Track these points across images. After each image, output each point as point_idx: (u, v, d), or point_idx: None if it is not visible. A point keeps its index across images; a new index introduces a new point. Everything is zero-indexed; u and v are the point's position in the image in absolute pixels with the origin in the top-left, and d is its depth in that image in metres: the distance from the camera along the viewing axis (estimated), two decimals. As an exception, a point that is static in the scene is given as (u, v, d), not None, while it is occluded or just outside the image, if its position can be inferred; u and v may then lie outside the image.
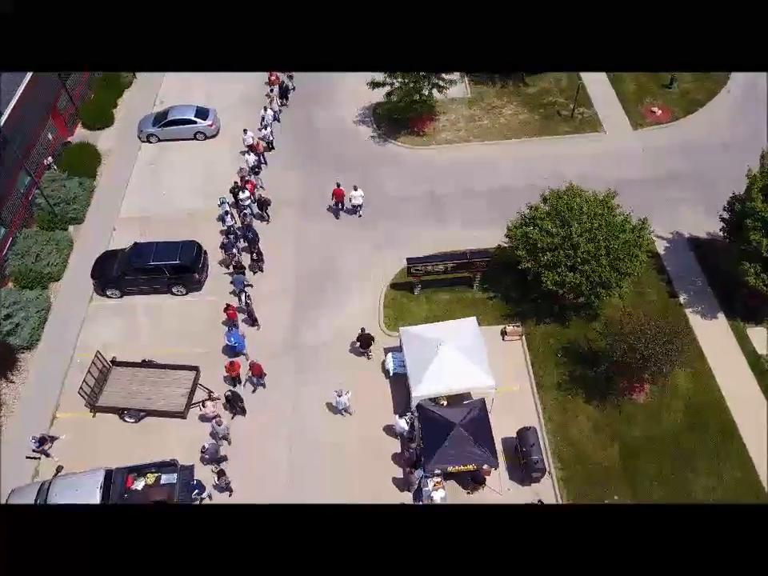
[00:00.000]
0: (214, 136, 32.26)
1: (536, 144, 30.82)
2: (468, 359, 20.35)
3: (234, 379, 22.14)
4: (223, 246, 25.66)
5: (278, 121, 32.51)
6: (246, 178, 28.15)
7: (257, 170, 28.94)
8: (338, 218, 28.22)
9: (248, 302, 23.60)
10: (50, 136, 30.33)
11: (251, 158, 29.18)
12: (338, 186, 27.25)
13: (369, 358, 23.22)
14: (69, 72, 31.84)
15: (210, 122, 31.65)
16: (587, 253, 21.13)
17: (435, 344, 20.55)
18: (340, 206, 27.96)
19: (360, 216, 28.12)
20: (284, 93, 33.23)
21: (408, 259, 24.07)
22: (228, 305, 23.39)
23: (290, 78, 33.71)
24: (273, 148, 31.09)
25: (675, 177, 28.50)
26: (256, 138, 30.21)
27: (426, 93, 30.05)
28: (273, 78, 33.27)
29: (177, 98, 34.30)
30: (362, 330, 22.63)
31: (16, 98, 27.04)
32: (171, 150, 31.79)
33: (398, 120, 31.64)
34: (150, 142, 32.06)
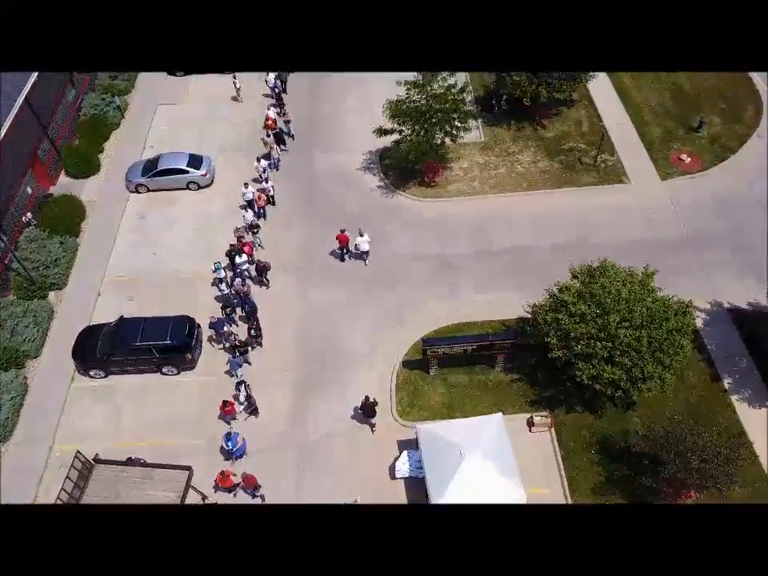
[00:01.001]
0: (208, 185, 29.84)
1: (557, 196, 28.52)
2: (496, 469, 18.04)
3: (227, 489, 19.78)
4: (213, 326, 23.22)
5: (276, 169, 30.11)
6: (244, 240, 25.75)
7: (255, 229, 26.50)
8: (342, 261, 26.29)
9: (248, 392, 21.21)
10: (29, 189, 27.87)
11: (249, 215, 26.79)
12: (342, 231, 25.47)
13: (373, 431, 21.22)
14: (50, 117, 29.43)
15: (203, 172, 29.25)
16: (628, 345, 18.84)
17: (458, 449, 18.26)
18: (345, 252, 25.99)
19: (366, 264, 26.10)
20: (282, 138, 30.83)
21: (424, 341, 21.78)
22: (225, 402, 20.99)
23: (288, 122, 31.29)
24: (274, 203, 28.69)
25: (709, 236, 26.23)
26: (257, 192, 27.80)
27: (438, 141, 27.70)
28: (269, 122, 30.86)
29: (168, 141, 31.94)
30: (366, 397, 20.62)
31: (-10, 153, 24.67)
32: (162, 202, 29.36)
33: (407, 168, 29.33)
34: (139, 192, 29.64)
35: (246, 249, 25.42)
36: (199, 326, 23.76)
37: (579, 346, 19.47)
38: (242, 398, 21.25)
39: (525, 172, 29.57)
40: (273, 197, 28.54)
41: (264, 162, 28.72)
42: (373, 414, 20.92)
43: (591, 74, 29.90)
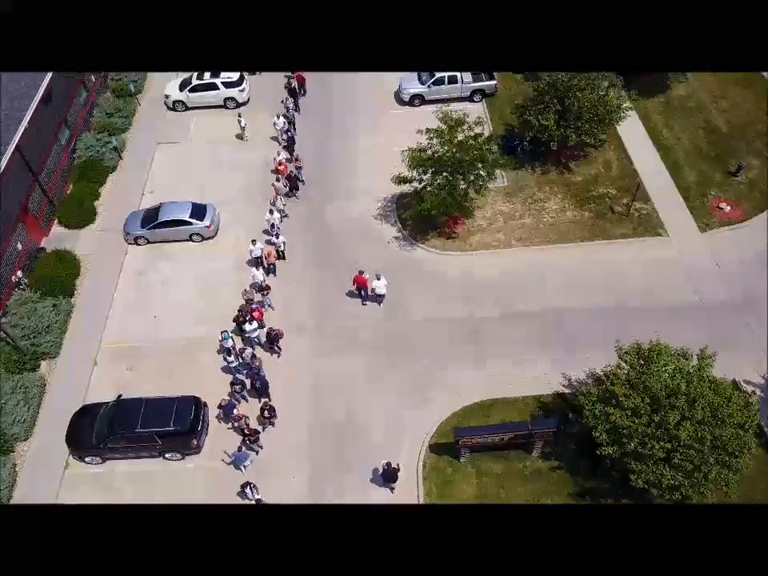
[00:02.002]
0: (212, 237, 27.73)
1: (589, 250, 26.48)
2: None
3: None
4: (222, 409, 21.13)
5: (287, 216, 28.04)
6: (253, 305, 23.66)
7: (265, 291, 24.38)
8: (364, 304, 24.95)
9: (255, 495, 19.03)
10: (19, 245, 25.73)
11: (259, 276, 24.70)
12: (361, 273, 24.06)
13: (392, 492, 19.79)
14: (42, 163, 27.32)
15: (207, 223, 27.14)
16: (689, 446, 16.80)
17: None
18: (363, 294, 24.72)
19: (381, 305, 24.73)
20: (293, 185, 28.75)
21: (456, 431, 19.75)
22: None
23: (299, 168, 29.21)
24: (284, 258, 26.61)
25: (758, 299, 24.17)
26: (266, 249, 25.71)
27: (461, 193, 25.64)
28: (281, 167, 28.76)
29: (168, 186, 29.88)
30: (388, 463, 19.09)
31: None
32: (163, 256, 27.25)
33: (426, 217, 27.25)
34: (138, 245, 27.53)
35: (256, 315, 23.34)
36: (205, 405, 21.67)
37: (632, 444, 17.42)
38: (249, 495, 19.09)
39: (553, 222, 27.53)
40: (284, 252, 26.44)
41: (276, 215, 26.61)
42: (394, 479, 19.45)
43: (622, 114, 27.89)
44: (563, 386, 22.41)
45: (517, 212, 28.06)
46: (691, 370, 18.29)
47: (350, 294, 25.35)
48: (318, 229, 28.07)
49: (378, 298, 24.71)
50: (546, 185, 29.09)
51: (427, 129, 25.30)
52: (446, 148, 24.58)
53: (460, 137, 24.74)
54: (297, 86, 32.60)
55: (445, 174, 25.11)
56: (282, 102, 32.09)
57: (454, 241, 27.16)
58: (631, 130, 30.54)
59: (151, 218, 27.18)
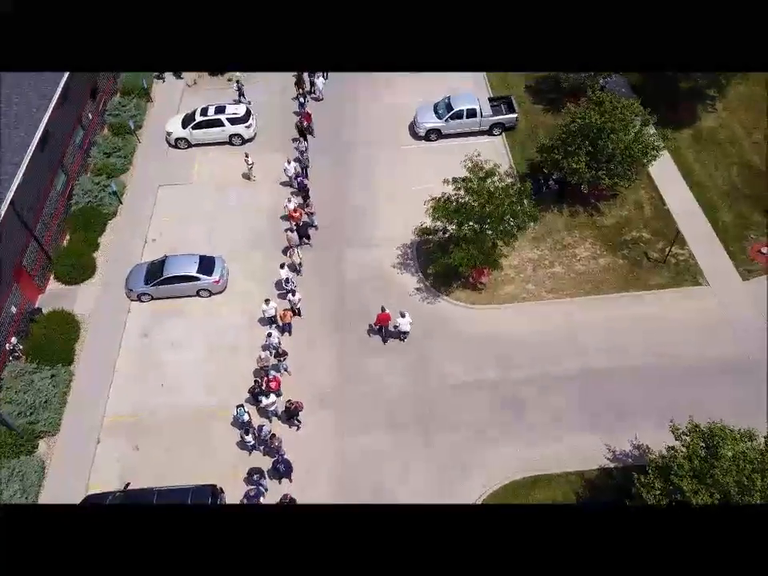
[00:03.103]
0: (220, 292, 25.88)
1: (625, 301, 24.78)
2: None
3: None
4: (247, 499, 19.29)
5: (299, 273, 26.18)
6: (270, 374, 21.85)
7: (282, 357, 22.55)
8: (385, 344, 23.94)
9: None
10: (13, 309, 23.81)
11: (274, 339, 22.87)
12: (383, 310, 23.07)
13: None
14: (37, 214, 25.42)
15: (216, 278, 25.30)
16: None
17: None
18: (384, 332, 23.76)
19: (404, 340, 23.79)
20: (304, 233, 26.93)
21: None
22: None
23: (311, 214, 27.37)
24: (300, 315, 24.81)
25: (811, 360, 22.53)
26: (280, 308, 23.91)
27: (490, 245, 23.90)
28: (297, 214, 26.89)
29: (172, 233, 28.03)
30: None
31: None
32: (168, 314, 25.37)
33: (450, 267, 25.47)
34: (142, 302, 25.65)
35: (273, 385, 21.54)
36: (222, 491, 19.81)
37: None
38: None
39: (585, 270, 25.81)
40: (299, 309, 24.63)
41: (286, 271, 24.72)
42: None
43: (657, 154, 26.18)
44: (609, 459, 20.74)
45: (546, 259, 26.33)
46: (759, 457, 16.60)
47: (373, 352, 23.68)
48: (334, 280, 26.27)
49: (402, 335, 23.66)
50: (575, 228, 27.37)
51: (454, 178, 23.55)
52: (474, 200, 22.79)
53: (490, 187, 22.97)
54: (303, 125, 30.65)
55: (472, 224, 23.34)
56: (296, 144, 30.14)
57: (481, 293, 25.41)
58: (661, 167, 28.80)
59: (156, 273, 25.29)
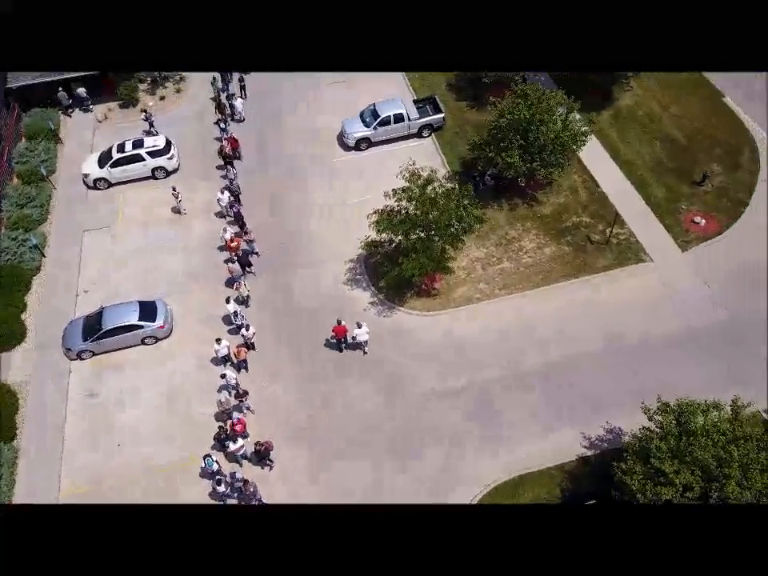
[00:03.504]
0: (166, 337, 24.57)
1: (575, 288, 25.08)
2: None
3: None
4: None
5: (246, 305, 25.19)
6: (234, 417, 20.85)
7: (243, 397, 21.56)
8: (341, 352, 23.62)
9: None
10: (-60, 389, 21.83)
11: (231, 377, 21.85)
12: (339, 323, 22.66)
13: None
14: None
15: (160, 323, 23.97)
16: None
17: None
18: (342, 342, 23.36)
19: (365, 353, 23.39)
20: (246, 261, 25.93)
21: None
22: None
23: (251, 242, 26.31)
24: (254, 348, 23.85)
25: (756, 320, 23.36)
26: (233, 345, 22.90)
27: (439, 251, 23.64)
28: (233, 244, 25.83)
29: (105, 282, 26.50)
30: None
31: None
32: (114, 368, 23.87)
33: (400, 275, 25.05)
34: (83, 359, 24.04)
35: (238, 428, 20.57)
36: None
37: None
38: None
39: (533, 262, 25.97)
40: (253, 343, 23.67)
41: (233, 305, 23.68)
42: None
43: (585, 139, 26.63)
44: (586, 448, 20.91)
45: (493, 256, 26.33)
46: (729, 427, 17.03)
47: (338, 375, 23.12)
48: (284, 306, 25.40)
49: (362, 346, 23.34)
50: (516, 221, 27.51)
51: (394, 190, 23.15)
52: (419, 209, 22.46)
53: (431, 194, 22.69)
54: (231, 151, 29.53)
55: (419, 233, 23.01)
56: (224, 172, 28.93)
57: (435, 298, 25.16)
58: (589, 150, 29.23)
59: (94, 327, 23.72)
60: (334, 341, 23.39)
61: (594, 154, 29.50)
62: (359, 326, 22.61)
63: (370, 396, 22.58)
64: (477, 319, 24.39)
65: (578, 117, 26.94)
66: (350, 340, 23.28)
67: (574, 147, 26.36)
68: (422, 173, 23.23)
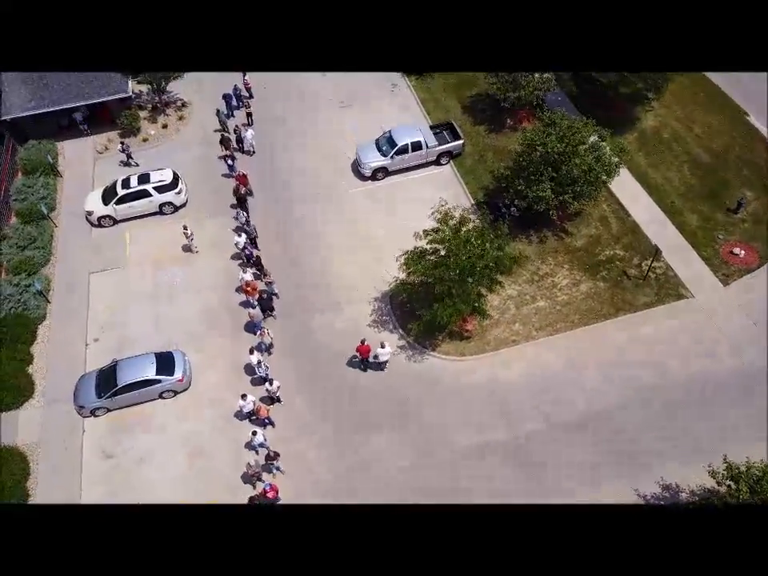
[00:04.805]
0: (185, 389, 23.10)
1: (616, 328, 23.93)
2: None
3: None
4: None
5: (269, 353, 23.80)
6: (266, 486, 19.41)
7: (274, 460, 20.14)
8: (364, 371, 23.27)
9: None
10: (-56, 458, 20.20)
11: (259, 437, 20.40)
12: (363, 342, 22.40)
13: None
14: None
15: (179, 376, 22.50)
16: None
17: None
18: (363, 363, 23.16)
19: (384, 371, 23.17)
20: (267, 306, 24.50)
21: None
22: None
23: (270, 284, 24.87)
24: (280, 401, 22.47)
25: (811, 356, 22.40)
26: (257, 401, 21.50)
27: (475, 295, 22.34)
28: (249, 288, 24.37)
29: (116, 329, 24.96)
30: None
31: None
32: (131, 426, 22.36)
33: (431, 319, 23.79)
34: (97, 416, 22.51)
35: (270, 495, 19.14)
36: None
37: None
38: None
39: (569, 300, 24.77)
40: (279, 396, 22.27)
41: (256, 356, 22.24)
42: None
43: (618, 170, 25.51)
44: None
45: (527, 294, 25.12)
46: None
47: (371, 429, 21.78)
48: (308, 353, 24.01)
49: (381, 365, 23.10)
50: (547, 255, 26.32)
51: (425, 231, 21.90)
52: (452, 252, 21.18)
53: (464, 237, 21.41)
54: (244, 190, 27.98)
55: (453, 277, 21.70)
56: (235, 214, 27.38)
57: (469, 342, 23.89)
58: (617, 176, 28.25)
59: (108, 382, 22.19)
60: (357, 359, 23.04)
61: (622, 180, 28.22)
62: (383, 346, 22.33)
63: (405, 452, 21.25)
64: (514, 363, 23.18)
65: (608, 148, 25.78)
66: (371, 359, 22.86)
67: (606, 178, 25.20)
68: (454, 213, 21.97)
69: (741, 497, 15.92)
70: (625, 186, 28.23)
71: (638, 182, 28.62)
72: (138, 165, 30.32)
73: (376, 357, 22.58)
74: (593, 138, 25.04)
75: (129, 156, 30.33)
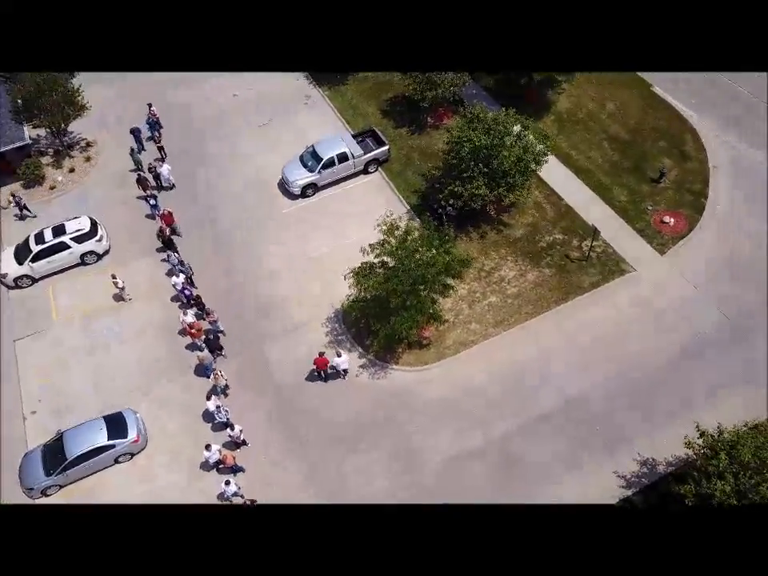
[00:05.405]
0: (143, 449, 21.65)
1: (569, 312, 24.20)
2: None
3: None
4: None
5: (225, 395, 22.67)
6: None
7: (250, 502, 19.14)
8: (325, 382, 22.88)
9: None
10: None
11: (232, 486, 19.33)
12: (321, 354, 22.04)
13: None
14: None
15: (134, 436, 21.05)
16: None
17: None
18: (322, 374, 22.71)
19: (345, 378, 22.86)
20: (216, 345, 23.33)
21: None
22: None
23: (214, 322, 23.55)
24: (246, 444, 21.40)
25: (757, 311, 23.30)
26: (223, 451, 20.38)
27: (429, 303, 21.99)
28: (193, 331, 23.12)
29: (54, 398, 23.20)
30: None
31: None
32: (88, 498, 20.69)
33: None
34: (49, 495, 20.75)
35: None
36: None
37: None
38: None
39: (519, 292, 24.86)
40: (244, 440, 21.22)
41: (214, 401, 21.10)
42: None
43: (546, 157, 25.82)
44: (623, 487, 19.95)
45: (477, 292, 25.04)
46: None
47: (346, 454, 21.09)
48: (266, 387, 23.03)
49: (342, 373, 22.86)
50: (489, 250, 26.33)
51: (371, 245, 21.36)
52: (402, 264, 20.75)
53: (412, 246, 21.04)
54: (169, 232, 26.48)
55: (406, 288, 21.25)
56: (165, 257, 25.90)
57: (429, 349, 23.57)
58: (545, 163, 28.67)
59: (55, 456, 20.48)
60: (316, 373, 22.72)
61: (548, 165, 28.35)
62: (339, 355, 22.22)
63: (383, 472, 20.73)
64: (477, 364, 23.03)
65: (531, 136, 26.00)
66: (329, 371, 22.63)
67: (535, 167, 25.44)
68: (400, 223, 21.55)
69: (720, 464, 16.25)
70: (551, 171, 28.56)
71: (564, 164, 29.10)
72: (35, 216, 28.32)
73: (334, 367, 22.39)
74: (516, 128, 25.19)
75: (23, 208, 28.22)
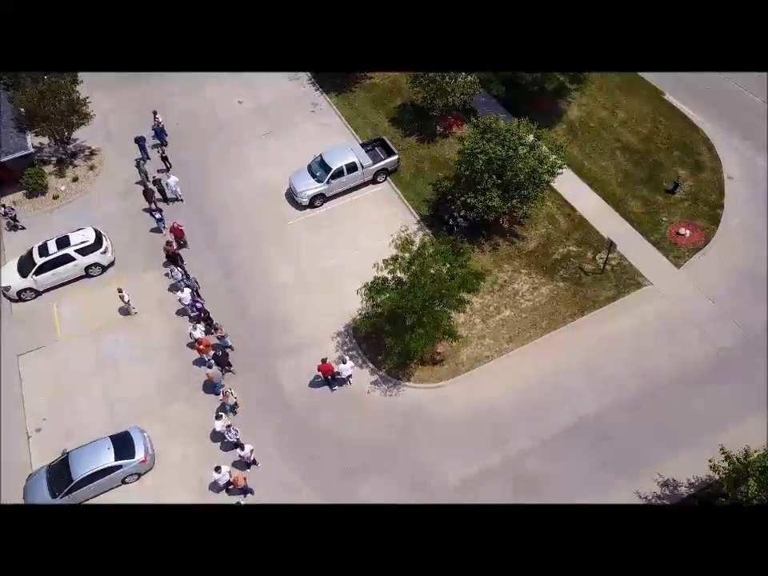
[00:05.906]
0: (150, 469, 21.13)
1: (585, 326, 23.71)
2: None
3: None
4: None
5: (234, 413, 22.16)
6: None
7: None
8: (332, 390, 22.61)
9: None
10: None
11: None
12: (324, 361, 21.74)
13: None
14: None
15: (141, 456, 20.53)
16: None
17: None
18: (329, 380, 22.44)
19: (350, 384, 22.59)
20: (224, 360, 22.83)
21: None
22: None
23: (223, 337, 23.08)
24: (257, 464, 20.89)
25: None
26: (234, 472, 19.86)
27: (446, 319, 21.49)
28: (202, 347, 22.63)
29: (59, 414, 22.67)
30: None
31: None
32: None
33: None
34: (54, 517, 20.17)
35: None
36: None
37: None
38: None
39: (533, 306, 24.37)
40: (255, 459, 20.70)
41: (223, 421, 20.60)
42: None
43: (560, 169, 25.34)
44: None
45: (490, 305, 24.54)
46: None
47: (358, 476, 20.64)
48: (277, 404, 22.53)
49: (347, 379, 22.62)
50: (503, 262, 25.84)
51: (385, 261, 20.85)
52: (417, 281, 20.25)
53: (429, 263, 20.52)
54: (177, 247, 25.96)
55: (422, 304, 20.74)
56: (168, 271, 25.39)
57: (442, 365, 23.07)
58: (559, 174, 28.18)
59: (61, 477, 19.95)
60: (320, 380, 22.49)
61: (561, 175, 28.18)
62: (344, 362, 21.90)
63: (398, 494, 20.14)
64: (493, 380, 22.54)
65: (544, 147, 25.53)
66: (333, 377, 22.37)
67: (549, 178, 24.97)
68: (414, 238, 21.06)
69: (749, 491, 15.76)
70: (563, 181, 27.98)
71: (577, 175, 28.62)
72: (24, 228, 27.85)
73: (338, 373, 22.08)
74: (530, 138, 24.72)
75: (12, 219, 27.70)
